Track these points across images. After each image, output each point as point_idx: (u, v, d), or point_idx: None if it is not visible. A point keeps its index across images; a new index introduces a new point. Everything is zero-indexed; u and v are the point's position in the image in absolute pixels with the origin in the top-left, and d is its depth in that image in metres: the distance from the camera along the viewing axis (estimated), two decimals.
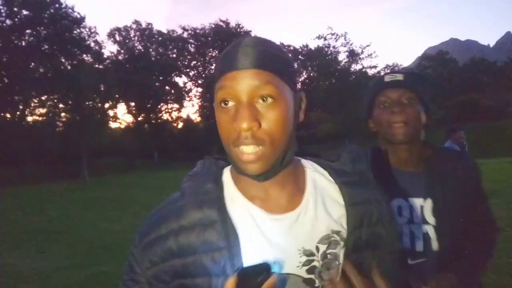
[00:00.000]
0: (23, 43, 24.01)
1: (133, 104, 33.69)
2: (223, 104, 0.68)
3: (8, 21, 23.12)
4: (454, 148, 4.83)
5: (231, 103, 0.68)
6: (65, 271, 4.88)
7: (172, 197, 0.79)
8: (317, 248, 0.72)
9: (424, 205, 1.20)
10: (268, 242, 0.70)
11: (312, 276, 0.71)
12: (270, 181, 0.73)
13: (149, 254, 0.74)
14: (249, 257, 0.68)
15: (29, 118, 24.73)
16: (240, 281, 0.59)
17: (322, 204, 0.75)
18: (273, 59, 0.69)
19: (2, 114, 23.24)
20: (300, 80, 40.30)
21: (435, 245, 1.18)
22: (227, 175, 0.79)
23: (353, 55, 24.98)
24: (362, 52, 24.83)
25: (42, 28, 24.23)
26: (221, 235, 0.69)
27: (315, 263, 0.72)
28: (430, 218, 1.19)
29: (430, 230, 1.19)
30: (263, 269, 0.60)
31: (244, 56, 0.67)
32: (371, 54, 24.73)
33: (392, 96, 1.22)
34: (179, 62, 37.24)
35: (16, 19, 23.33)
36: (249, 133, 0.65)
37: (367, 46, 24.76)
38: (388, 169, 1.28)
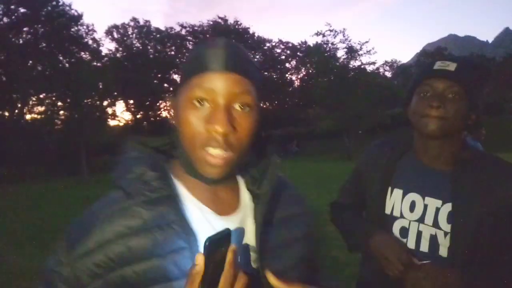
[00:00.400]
0: (21, 41, 23.90)
1: (131, 101, 33.60)
2: (196, 102, 0.66)
3: (5, 19, 23.00)
4: (476, 146, 4.63)
5: (206, 104, 0.66)
6: None
7: (111, 196, 0.71)
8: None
9: (440, 208, 1.09)
10: None
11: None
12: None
13: (88, 266, 0.64)
14: None
15: (28, 116, 24.68)
16: (205, 253, 0.57)
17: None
18: (253, 67, 0.69)
19: (0, 112, 23.17)
20: (299, 77, 40.23)
21: (443, 251, 1.08)
22: (171, 171, 0.75)
23: (351, 52, 24.86)
24: (360, 49, 24.73)
25: (39, 26, 24.10)
26: (180, 235, 0.65)
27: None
28: (443, 223, 1.08)
29: (440, 235, 1.08)
30: (224, 239, 0.59)
31: (229, 58, 0.66)
32: (369, 50, 24.62)
33: (436, 87, 1.08)
34: (177, 60, 37.07)
35: (13, 17, 23.20)
36: (222, 137, 0.64)
37: (366, 42, 24.70)
38: (411, 162, 1.19)
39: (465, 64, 1.08)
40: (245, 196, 0.78)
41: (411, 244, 1.12)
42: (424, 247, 1.10)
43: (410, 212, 1.13)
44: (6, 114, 23.64)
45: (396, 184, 1.17)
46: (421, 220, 1.11)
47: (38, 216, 9.00)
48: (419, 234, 1.11)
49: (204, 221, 0.70)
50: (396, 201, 1.16)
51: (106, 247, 0.64)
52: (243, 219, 0.74)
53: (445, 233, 1.07)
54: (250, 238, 0.73)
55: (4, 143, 19.43)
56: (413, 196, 1.14)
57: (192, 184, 0.73)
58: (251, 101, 0.67)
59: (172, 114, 0.73)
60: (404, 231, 1.14)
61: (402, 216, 1.14)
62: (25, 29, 23.83)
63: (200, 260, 0.56)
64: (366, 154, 1.33)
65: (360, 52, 24.75)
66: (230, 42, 0.69)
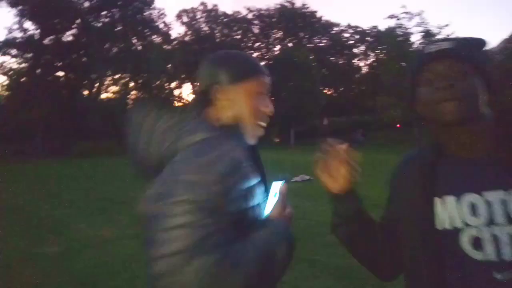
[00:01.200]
0: (99, 24, 25.58)
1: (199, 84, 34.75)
2: (260, 94, 1.05)
3: (86, 3, 24.71)
4: None
5: (263, 95, 1.06)
6: (128, 240, 5.02)
7: (233, 143, 0.95)
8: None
9: (507, 199, 0.93)
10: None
11: None
12: None
13: (235, 192, 0.86)
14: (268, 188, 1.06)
15: (103, 95, 26.58)
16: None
17: None
18: None
19: (81, 90, 25.20)
20: (368, 63, 38.60)
21: None
22: None
23: (428, 36, 23.16)
24: (439, 33, 22.94)
25: (116, 9, 25.57)
26: (258, 172, 0.98)
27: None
28: None
29: None
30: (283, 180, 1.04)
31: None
32: (449, 35, 22.70)
33: (437, 69, 0.99)
34: (243, 43, 37.45)
35: (93, 1, 24.83)
36: (268, 116, 1.07)
37: (446, 26, 22.82)
38: (448, 162, 1.03)
39: (460, 40, 1.04)
40: None
41: (490, 255, 0.92)
42: (508, 254, 0.90)
43: (474, 217, 0.96)
44: (86, 92, 25.63)
45: (443, 192, 1.01)
46: (491, 221, 0.94)
47: (107, 187, 9.72)
48: (496, 240, 0.92)
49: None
50: (451, 210, 0.99)
51: (242, 179, 0.89)
52: None
53: None
54: None
55: (83, 119, 21.15)
56: (468, 197, 0.97)
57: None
58: None
59: (228, 101, 1.03)
60: (477, 242, 0.94)
61: (467, 225, 0.96)
62: (103, 13, 25.42)
63: (285, 188, 1.03)
64: (394, 176, 1.20)
65: (438, 37, 22.92)
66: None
